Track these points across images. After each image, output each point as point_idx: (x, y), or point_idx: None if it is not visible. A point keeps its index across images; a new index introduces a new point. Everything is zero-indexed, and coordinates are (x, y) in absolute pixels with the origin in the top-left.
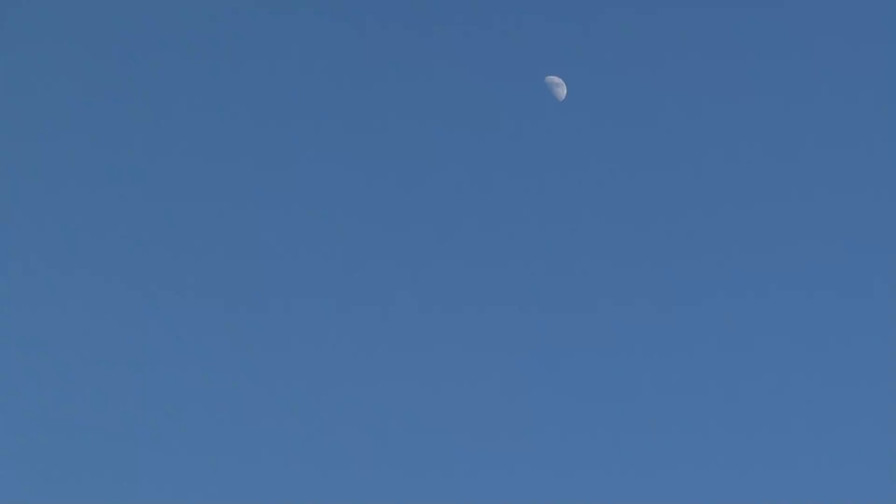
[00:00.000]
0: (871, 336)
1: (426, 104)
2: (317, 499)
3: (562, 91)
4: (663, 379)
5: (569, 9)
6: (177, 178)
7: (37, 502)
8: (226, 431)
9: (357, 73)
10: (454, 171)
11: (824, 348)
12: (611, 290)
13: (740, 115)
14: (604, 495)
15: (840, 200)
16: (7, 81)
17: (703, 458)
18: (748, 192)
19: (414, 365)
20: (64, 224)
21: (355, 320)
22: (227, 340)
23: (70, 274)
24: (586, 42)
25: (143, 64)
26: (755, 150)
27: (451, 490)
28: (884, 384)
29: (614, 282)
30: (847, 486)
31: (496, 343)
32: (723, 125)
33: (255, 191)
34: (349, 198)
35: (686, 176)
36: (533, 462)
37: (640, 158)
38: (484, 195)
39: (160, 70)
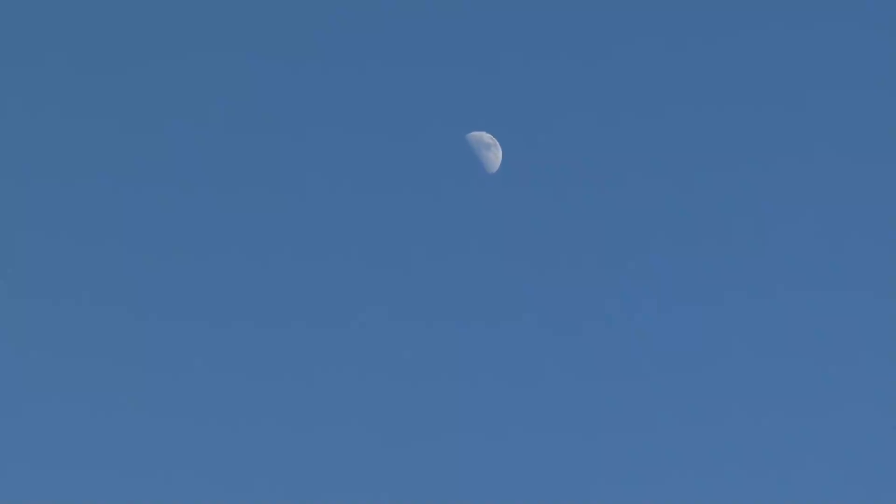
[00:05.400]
0: (869, 336)
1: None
2: (316, 499)
3: (496, 155)
4: (665, 380)
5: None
6: (177, 181)
7: (37, 502)
8: (224, 433)
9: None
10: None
11: (815, 346)
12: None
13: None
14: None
15: (838, 200)
16: (7, 80)
17: (703, 461)
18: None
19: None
20: (64, 224)
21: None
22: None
23: (71, 274)
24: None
25: (142, 64)
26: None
27: (450, 488)
28: (884, 384)
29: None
30: (847, 486)
31: (495, 341)
32: (714, 126)
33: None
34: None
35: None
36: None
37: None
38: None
39: (160, 70)
